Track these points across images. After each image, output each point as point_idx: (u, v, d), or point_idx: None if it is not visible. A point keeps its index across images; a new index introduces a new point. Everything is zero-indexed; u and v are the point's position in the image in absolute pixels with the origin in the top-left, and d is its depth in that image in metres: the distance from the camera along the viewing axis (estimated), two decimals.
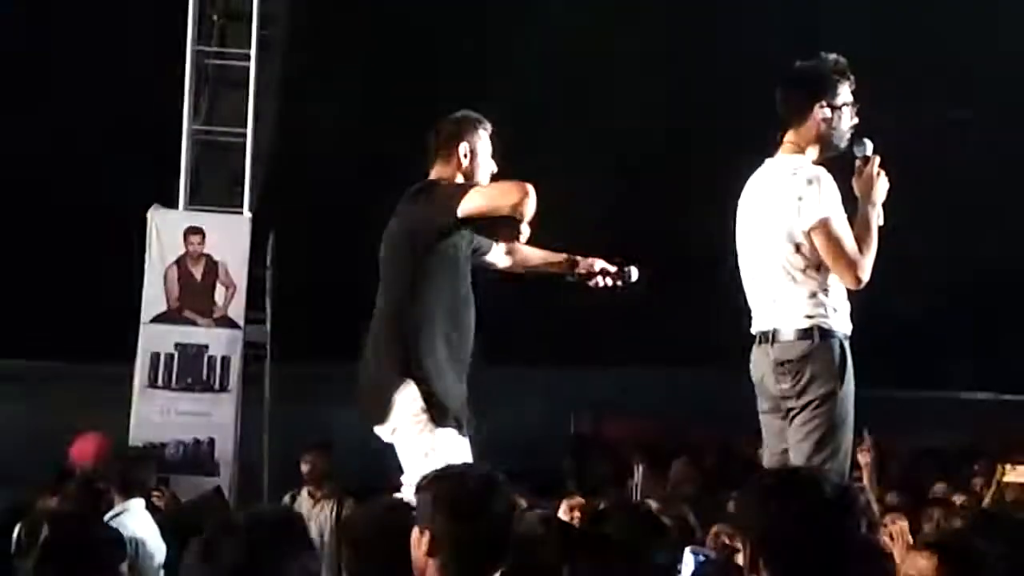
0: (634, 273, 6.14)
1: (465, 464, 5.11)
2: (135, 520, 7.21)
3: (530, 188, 5.45)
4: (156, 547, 7.13)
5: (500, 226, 5.58)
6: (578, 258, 6.18)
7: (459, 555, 3.67)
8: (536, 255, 6.23)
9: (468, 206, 5.51)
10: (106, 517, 7.05)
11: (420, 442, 5.59)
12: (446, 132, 5.83)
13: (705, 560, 5.38)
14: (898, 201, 5.57)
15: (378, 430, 5.71)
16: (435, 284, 5.62)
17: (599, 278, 6.15)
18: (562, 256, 6.21)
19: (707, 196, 7.39)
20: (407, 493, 5.50)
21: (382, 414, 5.64)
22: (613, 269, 6.15)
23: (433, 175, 5.84)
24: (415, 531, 3.74)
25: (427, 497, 3.77)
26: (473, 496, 3.74)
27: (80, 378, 13.42)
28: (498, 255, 6.17)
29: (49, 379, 13.81)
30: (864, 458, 7.98)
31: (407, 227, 5.68)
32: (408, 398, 5.59)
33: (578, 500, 7.32)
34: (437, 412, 5.58)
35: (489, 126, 5.89)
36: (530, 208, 5.44)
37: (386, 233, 5.79)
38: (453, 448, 5.58)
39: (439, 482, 3.86)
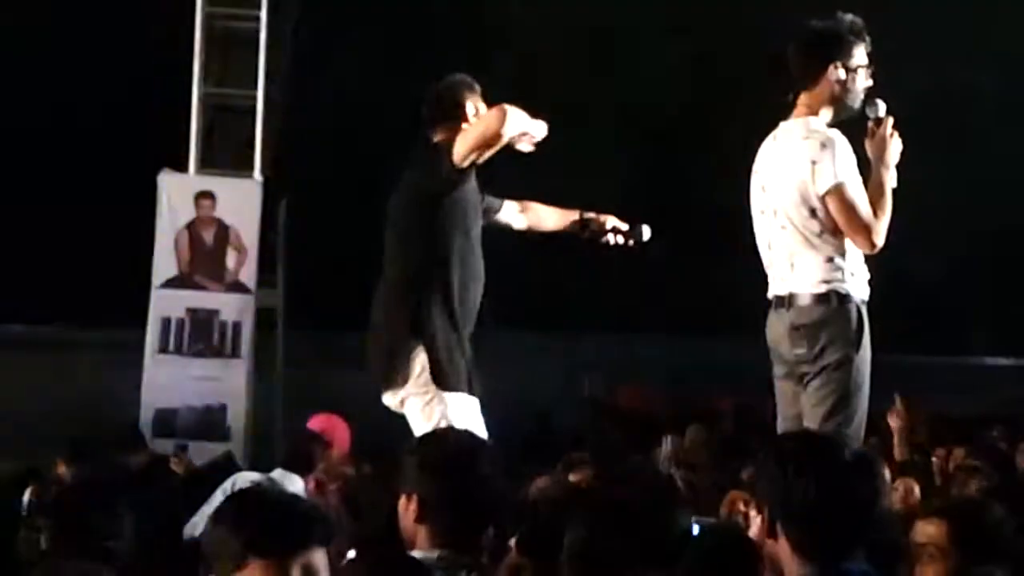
0: (646, 232, 6.19)
1: (448, 427, 5.11)
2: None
3: (507, 107, 5.53)
4: None
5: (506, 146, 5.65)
6: (591, 215, 6.23)
7: (447, 518, 3.61)
8: (550, 214, 6.30)
9: (460, 152, 5.58)
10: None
11: (430, 411, 5.61)
12: (450, 97, 5.88)
13: (704, 528, 5.33)
14: (917, 164, 5.49)
15: (386, 399, 5.73)
16: (443, 247, 5.68)
17: (611, 235, 6.20)
18: (575, 214, 6.27)
19: (722, 163, 7.33)
20: None
21: (390, 382, 5.68)
22: (625, 227, 6.20)
23: (437, 139, 5.83)
24: (402, 498, 3.69)
25: (412, 462, 3.73)
26: (458, 457, 3.69)
27: (93, 344, 13.41)
28: (512, 215, 6.22)
29: (61, 345, 13.80)
30: (895, 422, 7.80)
31: (412, 194, 5.77)
32: (415, 366, 5.63)
33: (585, 471, 7.23)
34: (444, 376, 5.61)
35: (478, 87, 5.94)
36: (513, 123, 5.52)
37: (391, 201, 5.86)
38: (464, 411, 5.60)
39: (423, 446, 3.83)
